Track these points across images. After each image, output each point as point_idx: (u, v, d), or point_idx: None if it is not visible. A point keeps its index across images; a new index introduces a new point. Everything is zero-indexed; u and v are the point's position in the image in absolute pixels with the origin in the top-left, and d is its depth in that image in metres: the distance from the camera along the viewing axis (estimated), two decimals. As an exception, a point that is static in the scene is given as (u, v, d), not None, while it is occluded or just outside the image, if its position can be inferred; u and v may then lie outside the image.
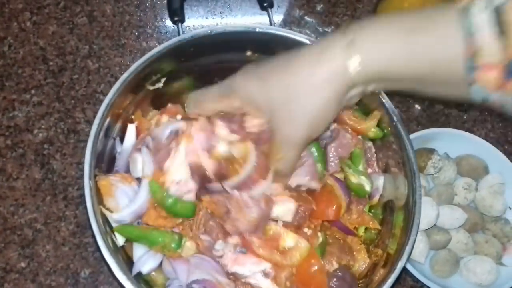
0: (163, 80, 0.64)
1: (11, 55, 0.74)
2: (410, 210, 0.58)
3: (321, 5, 0.85)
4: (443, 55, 0.43)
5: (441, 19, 0.43)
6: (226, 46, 0.64)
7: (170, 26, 0.80)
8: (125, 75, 0.58)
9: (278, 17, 0.83)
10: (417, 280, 0.68)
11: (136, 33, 0.78)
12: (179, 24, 0.69)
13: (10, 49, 0.75)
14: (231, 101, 0.55)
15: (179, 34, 0.66)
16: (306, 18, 0.85)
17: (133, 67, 0.58)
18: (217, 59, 0.66)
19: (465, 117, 0.82)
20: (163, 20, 0.80)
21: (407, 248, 0.56)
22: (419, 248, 0.70)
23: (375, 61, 0.46)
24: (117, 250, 0.54)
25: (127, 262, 0.56)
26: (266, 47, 0.64)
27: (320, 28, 0.84)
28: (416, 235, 0.56)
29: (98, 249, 0.65)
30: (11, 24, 0.76)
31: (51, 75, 0.74)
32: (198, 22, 0.82)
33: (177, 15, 0.69)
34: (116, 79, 0.74)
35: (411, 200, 0.58)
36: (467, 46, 0.41)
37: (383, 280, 0.55)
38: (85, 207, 0.66)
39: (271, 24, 0.70)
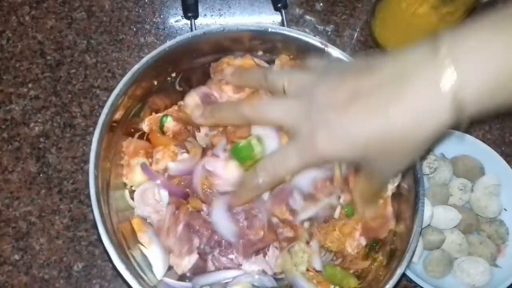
0: (173, 75, 0.64)
1: (9, 48, 0.75)
2: (411, 218, 0.58)
3: (321, 4, 0.85)
4: None
5: None
6: (236, 45, 0.65)
7: (168, 22, 0.80)
8: (137, 66, 0.58)
9: (278, 16, 0.83)
10: (411, 280, 0.68)
11: (134, 29, 0.79)
12: (193, 20, 0.69)
13: (8, 42, 0.75)
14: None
15: (191, 30, 0.66)
16: (306, 16, 0.85)
17: (145, 59, 0.59)
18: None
19: (462, 118, 0.82)
20: (162, 16, 0.80)
21: (407, 256, 0.56)
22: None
23: (479, 79, 0.40)
24: (119, 245, 0.54)
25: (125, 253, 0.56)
26: (275, 47, 0.64)
27: (319, 27, 0.84)
28: (417, 243, 0.57)
29: (91, 243, 0.66)
30: (10, 17, 0.76)
31: (48, 69, 0.74)
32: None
33: (191, 11, 0.70)
34: (113, 74, 0.75)
35: (414, 207, 0.58)
36: None
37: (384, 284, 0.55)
38: (80, 201, 0.68)
39: (283, 24, 0.69)
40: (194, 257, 0.58)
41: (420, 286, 0.68)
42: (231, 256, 0.58)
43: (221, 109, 0.58)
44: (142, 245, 0.57)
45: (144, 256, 0.57)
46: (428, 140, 0.44)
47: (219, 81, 0.63)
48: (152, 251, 0.57)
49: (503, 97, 0.41)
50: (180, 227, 0.57)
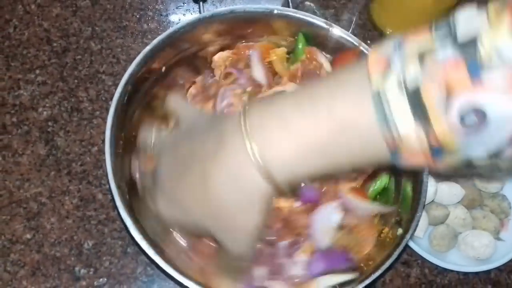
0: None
1: (16, 36, 0.76)
2: (417, 189, 0.60)
3: (320, -11, 0.87)
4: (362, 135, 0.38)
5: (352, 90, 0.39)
6: (243, 28, 0.66)
7: (170, 8, 0.82)
8: (148, 48, 0.60)
9: (278, 2, 0.85)
10: (412, 254, 0.69)
11: (138, 16, 0.80)
12: (201, 2, 0.71)
13: (15, 30, 0.76)
14: None
15: (200, 13, 0.68)
16: (306, 2, 0.86)
17: (156, 41, 0.60)
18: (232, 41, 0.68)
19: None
20: (164, 3, 0.82)
21: (413, 225, 0.57)
22: (419, 223, 0.71)
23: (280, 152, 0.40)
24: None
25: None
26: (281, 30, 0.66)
27: (318, 12, 0.85)
28: (422, 213, 0.58)
29: (100, 222, 0.67)
30: (16, 6, 0.78)
31: (55, 55, 0.76)
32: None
33: None
34: (118, 60, 0.76)
35: (419, 179, 0.60)
36: (387, 135, 0.37)
37: (387, 256, 0.56)
38: (88, 182, 0.69)
39: (288, 7, 0.71)
40: None
41: (421, 260, 0.69)
42: None
43: None
44: None
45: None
46: (258, 209, 0.43)
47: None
48: None
49: (312, 166, 0.41)
50: None
